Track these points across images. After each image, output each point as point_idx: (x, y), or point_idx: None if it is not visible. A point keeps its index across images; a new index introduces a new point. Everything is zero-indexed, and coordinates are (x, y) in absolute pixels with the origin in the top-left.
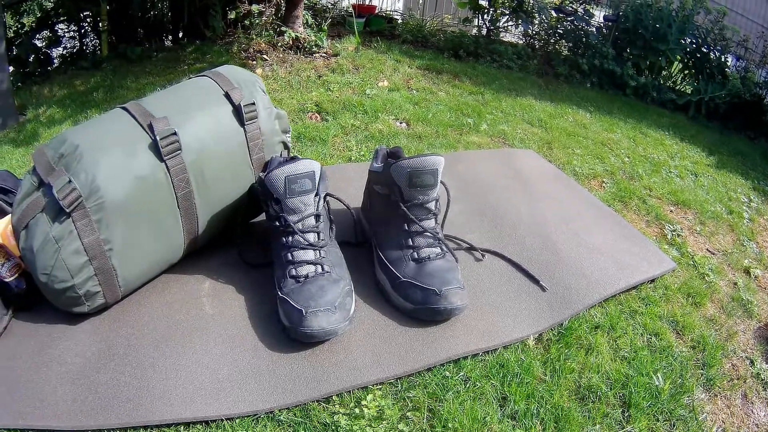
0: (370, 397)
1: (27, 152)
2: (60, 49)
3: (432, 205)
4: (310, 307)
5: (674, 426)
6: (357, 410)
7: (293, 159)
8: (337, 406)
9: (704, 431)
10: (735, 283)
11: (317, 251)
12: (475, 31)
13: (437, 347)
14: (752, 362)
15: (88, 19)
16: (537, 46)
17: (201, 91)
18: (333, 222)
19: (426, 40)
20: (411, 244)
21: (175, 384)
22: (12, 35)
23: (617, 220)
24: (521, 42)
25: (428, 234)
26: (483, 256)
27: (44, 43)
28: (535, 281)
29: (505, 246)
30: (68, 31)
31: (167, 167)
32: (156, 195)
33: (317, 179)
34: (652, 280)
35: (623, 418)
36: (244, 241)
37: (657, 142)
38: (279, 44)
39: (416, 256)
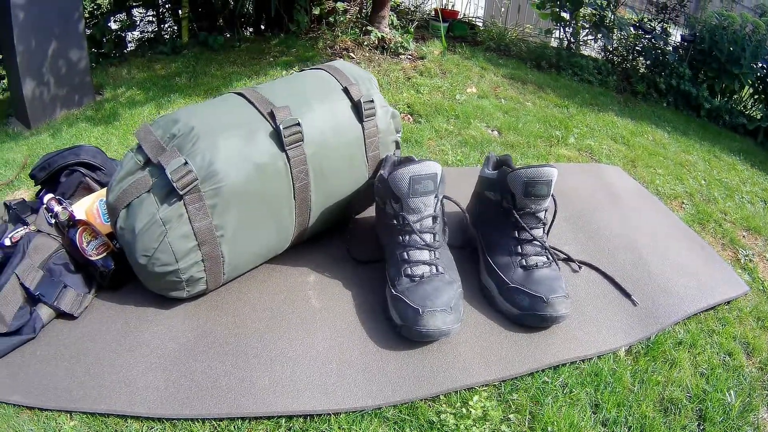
0: (476, 398)
1: (106, 131)
2: (135, 32)
3: (542, 215)
4: (426, 307)
5: None
6: (463, 410)
7: (409, 159)
8: (444, 405)
9: None
10: None
11: (432, 252)
12: (555, 42)
13: (539, 353)
14: None
15: (167, 5)
16: (616, 62)
17: (319, 83)
18: (446, 224)
19: (508, 48)
20: (520, 251)
21: (281, 376)
22: (86, 16)
23: (699, 241)
24: (600, 56)
25: (537, 242)
26: (579, 267)
27: (118, 26)
28: (627, 295)
29: (598, 259)
30: (146, 15)
31: (288, 157)
32: (274, 184)
33: (439, 181)
34: (728, 302)
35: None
36: (352, 236)
37: (730, 167)
38: (365, 43)
39: (524, 264)
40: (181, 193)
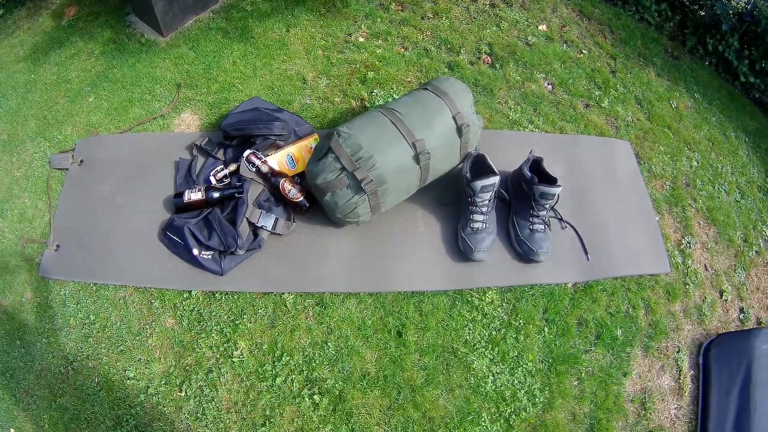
0: (490, 292)
1: (246, 52)
2: None
3: (548, 204)
4: (477, 249)
5: (611, 363)
6: (484, 297)
7: (482, 157)
8: (475, 293)
9: (628, 373)
10: (705, 299)
11: (484, 216)
12: None
13: (526, 275)
14: (679, 350)
15: None
16: (677, 6)
17: (436, 110)
18: (498, 199)
19: None
20: (531, 220)
21: (405, 269)
22: None
23: (654, 224)
24: None
25: (540, 218)
26: (565, 227)
27: None
28: (585, 252)
29: (579, 222)
30: None
31: (420, 168)
32: (411, 179)
33: (496, 186)
34: (652, 275)
35: (593, 342)
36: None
37: (731, 151)
38: None
39: (531, 228)
40: (366, 192)
